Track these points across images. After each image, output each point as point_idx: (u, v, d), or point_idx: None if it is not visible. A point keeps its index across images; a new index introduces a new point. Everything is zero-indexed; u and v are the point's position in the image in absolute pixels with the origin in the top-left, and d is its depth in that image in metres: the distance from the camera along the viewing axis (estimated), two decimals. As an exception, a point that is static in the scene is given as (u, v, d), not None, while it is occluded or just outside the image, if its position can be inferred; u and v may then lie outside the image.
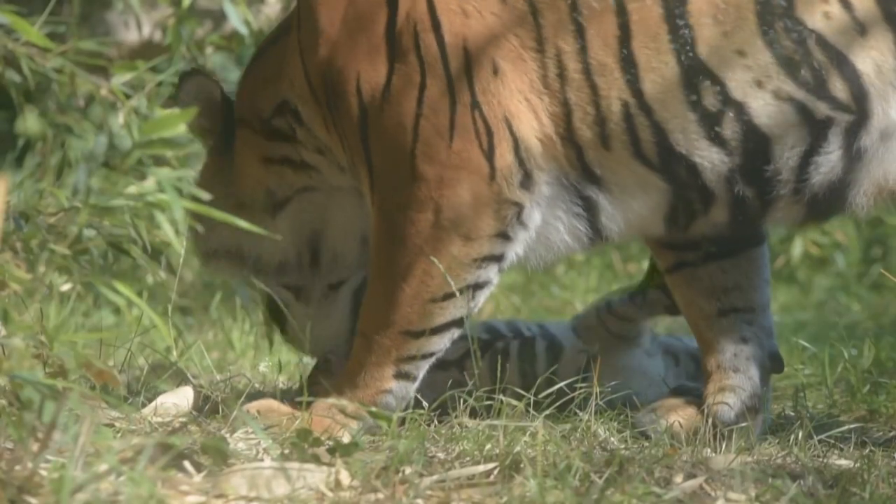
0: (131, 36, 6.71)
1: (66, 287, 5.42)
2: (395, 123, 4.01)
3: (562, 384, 4.19)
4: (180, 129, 5.52)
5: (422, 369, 4.09)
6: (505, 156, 3.98)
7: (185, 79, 4.38)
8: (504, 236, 4.02)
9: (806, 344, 5.06)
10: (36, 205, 4.86)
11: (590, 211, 4.04)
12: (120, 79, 5.78)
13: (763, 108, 3.92)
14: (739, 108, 3.92)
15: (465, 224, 3.99)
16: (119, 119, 5.73)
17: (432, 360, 4.10)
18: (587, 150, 3.98)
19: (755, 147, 3.94)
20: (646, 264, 4.76)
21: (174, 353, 5.12)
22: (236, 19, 6.31)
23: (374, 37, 4.05)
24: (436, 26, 4.00)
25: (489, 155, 3.98)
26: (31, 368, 3.43)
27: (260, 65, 4.39)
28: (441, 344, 4.08)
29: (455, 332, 4.08)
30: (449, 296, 4.02)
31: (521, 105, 3.98)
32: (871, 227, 8.99)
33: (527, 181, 3.99)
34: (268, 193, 4.34)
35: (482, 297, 4.07)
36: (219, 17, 6.63)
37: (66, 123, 6.24)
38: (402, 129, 4.01)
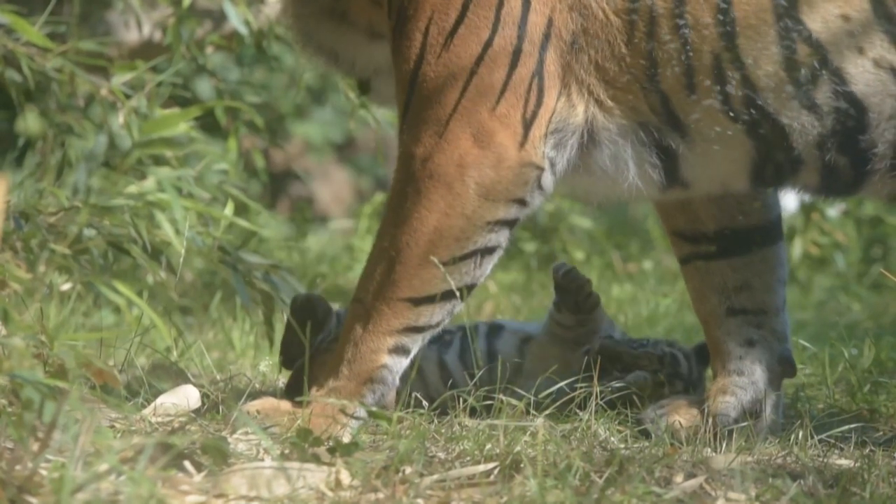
0: (131, 36, 6.70)
1: (66, 287, 5.43)
2: (446, 73, 3.97)
3: (562, 384, 4.19)
4: (180, 129, 5.56)
5: (417, 344, 4.01)
6: (542, 125, 3.95)
7: None
8: (521, 202, 3.98)
9: (806, 344, 5.06)
10: (36, 204, 4.86)
11: (668, 159, 3.98)
12: (120, 79, 5.78)
13: (861, 75, 3.87)
14: (836, 73, 3.86)
15: (486, 185, 3.94)
16: (119, 119, 5.73)
17: (429, 333, 4.02)
18: (672, 101, 3.92)
19: (850, 115, 3.88)
20: (646, 264, 4.74)
21: (174, 352, 5.12)
22: (236, 19, 6.32)
23: None
24: None
25: (529, 123, 3.94)
26: (31, 368, 3.43)
27: None
28: (441, 315, 3.99)
29: (457, 305, 3.99)
30: (457, 260, 3.96)
31: (591, 71, 3.95)
32: (872, 227, 9.00)
33: (559, 146, 3.96)
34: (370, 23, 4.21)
35: (489, 264, 4.00)
36: (219, 17, 6.63)
37: (67, 123, 6.24)
38: (451, 82, 3.96)
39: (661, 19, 3.89)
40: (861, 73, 3.86)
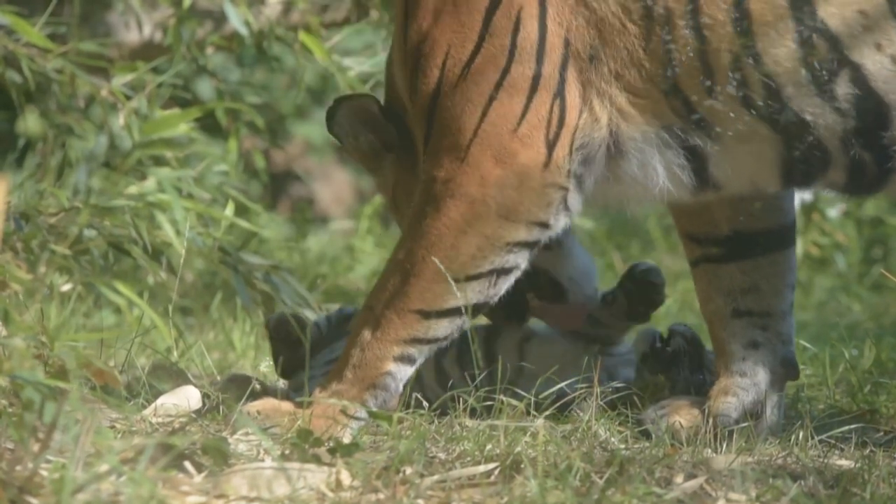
0: (132, 36, 6.71)
1: (66, 287, 5.44)
2: (465, 101, 3.96)
3: (562, 384, 4.19)
4: (180, 130, 5.56)
5: (423, 355, 4.02)
6: (565, 145, 3.94)
7: (336, 108, 4.22)
8: (544, 225, 3.97)
9: (807, 344, 5.06)
10: (36, 205, 4.87)
11: (696, 159, 3.98)
12: (120, 79, 5.79)
13: (879, 71, 3.87)
14: (855, 69, 3.86)
15: (508, 206, 3.93)
16: (119, 119, 5.74)
17: (435, 346, 4.01)
18: (693, 101, 3.92)
19: (870, 111, 3.87)
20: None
21: (175, 353, 5.12)
22: (236, 20, 6.32)
23: (473, 12, 3.97)
24: (542, 14, 3.94)
25: (552, 143, 3.94)
26: (31, 369, 3.43)
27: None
28: (450, 330, 3.99)
29: (466, 322, 3.99)
30: (471, 278, 3.95)
31: (611, 81, 3.95)
32: (872, 228, 8.99)
33: (586, 162, 3.96)
34: None
35: (505, 284, 3.99)
36: (219, 18, 6.63)
37: (67, 124, 6.25)
38: (470, 109, 3.95)
39: (676, 20, 3.89)
40: (879, 70, 3.86)
